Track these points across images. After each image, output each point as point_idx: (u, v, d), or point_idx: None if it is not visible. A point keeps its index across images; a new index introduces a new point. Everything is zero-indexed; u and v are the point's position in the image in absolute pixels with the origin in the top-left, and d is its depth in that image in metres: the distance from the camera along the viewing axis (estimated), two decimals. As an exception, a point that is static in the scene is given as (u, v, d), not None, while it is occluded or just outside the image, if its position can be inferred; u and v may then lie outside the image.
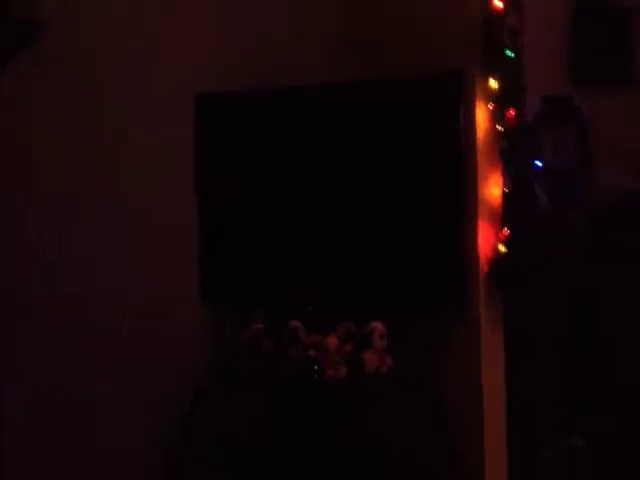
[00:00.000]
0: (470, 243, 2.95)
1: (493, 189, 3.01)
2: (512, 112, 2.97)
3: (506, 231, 2.97)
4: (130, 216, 3.05)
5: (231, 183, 3.21)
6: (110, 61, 3.01)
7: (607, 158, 4.44)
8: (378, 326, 2.93)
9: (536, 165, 3.84)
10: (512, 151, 2.99)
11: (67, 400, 2.91)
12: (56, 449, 2.89)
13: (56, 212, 2.92)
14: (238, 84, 3.13)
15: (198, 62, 3.15)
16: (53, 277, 2.92)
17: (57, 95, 2.90)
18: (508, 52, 2.93)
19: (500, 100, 2.97)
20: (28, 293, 2.85)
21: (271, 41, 3.29)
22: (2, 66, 2.59)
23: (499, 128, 2.98)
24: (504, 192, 3.01)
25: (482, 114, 2.97)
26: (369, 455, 2.99)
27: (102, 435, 2.99)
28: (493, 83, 2.96)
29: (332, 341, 2.92)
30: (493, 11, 2.92)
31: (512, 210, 2.98)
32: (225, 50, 3.21)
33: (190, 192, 3.19)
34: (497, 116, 2.98)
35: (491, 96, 2.97)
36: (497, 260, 2.97)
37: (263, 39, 3.28)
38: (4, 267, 2.80)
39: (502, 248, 2.97)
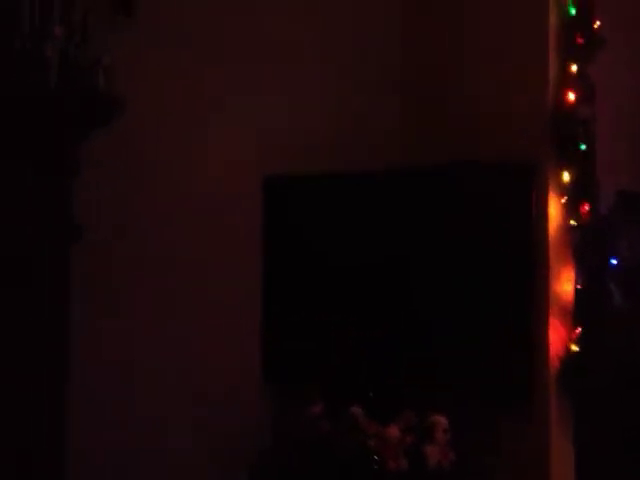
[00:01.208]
0: (540, 340, 2.89)
1: (565, 285, 2.95)
2: (586, 207, 2.92)
3: (578, 330, 2.90)
4: (196, 296, 3.09)
5: (297, 265, 3.22)
6: (180, 140, 3.08)
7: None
8: (441, 420, 2.87)
9: (611, 262, 3.75)
10: (586, 247, 2.94)
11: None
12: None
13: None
14: (306, 168, 3.18)
15: (267, 145, 3.20)
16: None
17: (128, 173, 2.98)
18: (581, 145, 2.90)
19: (573, 194, 2.93)
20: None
21: (338, 126, 3.33)
22: (85, 136, 2.67)
23: (572, 223, 2.93)
24: (577, 289, 2.94)
25: (555, 208, 2.93)
26: None
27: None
28: (566, 176, 2.92)
29: (394, 432, 2.86)
30: (565, 104, 2.91)
31: (585, 308, 2.91)
32: (294, 134, 3.25)
33: (256, 273, 3.21)
34: (570, 210, 2.94)
35: (564, 189, 2.93)
36: (568, 360, 2.90)
37: (330, 124, 3.32)
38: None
39: (574, 347, 2.90)
